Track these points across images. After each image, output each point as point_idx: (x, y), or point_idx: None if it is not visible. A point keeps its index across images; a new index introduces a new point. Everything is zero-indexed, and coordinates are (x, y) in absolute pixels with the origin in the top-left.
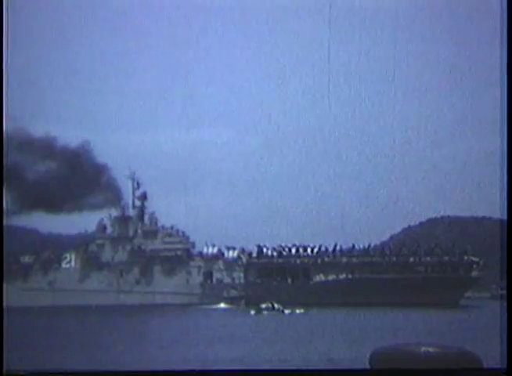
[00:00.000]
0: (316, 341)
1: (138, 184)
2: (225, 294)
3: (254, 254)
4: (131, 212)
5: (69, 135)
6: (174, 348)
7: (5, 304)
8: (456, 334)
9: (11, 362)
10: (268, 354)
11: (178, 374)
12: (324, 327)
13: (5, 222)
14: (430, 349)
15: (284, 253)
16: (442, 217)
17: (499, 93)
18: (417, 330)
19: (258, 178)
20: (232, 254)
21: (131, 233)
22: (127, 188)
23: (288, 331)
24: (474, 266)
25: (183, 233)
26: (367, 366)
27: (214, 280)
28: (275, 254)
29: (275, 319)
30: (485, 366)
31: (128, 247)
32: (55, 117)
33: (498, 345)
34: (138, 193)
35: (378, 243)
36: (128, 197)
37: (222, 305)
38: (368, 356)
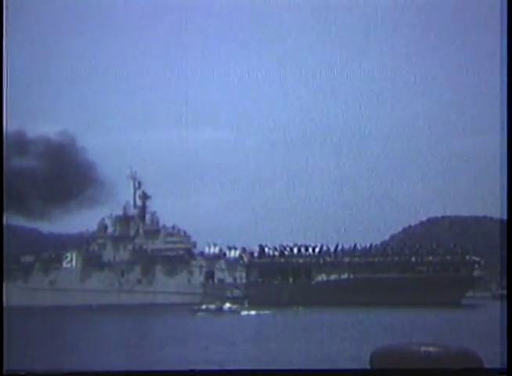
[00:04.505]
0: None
1: (139, 184)
2: (228, 293)
3: (256, 254)
4: (133, 212)
5: (69, 135)
6: (174, 347)
7: (5, 304)
8: (458, 333)
9: (11, 362)
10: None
11: (178, 374)
12: (292, 328)
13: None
14: (431, 349)
15: (286, 253)
16: (443, 217)
17: (499, 93)
18: (419, 329)
19: (260, 178)
20: (233, 253)
21: (132, 232)
22: (128, 188)
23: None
24: (476, 266)
25: (185, 232)
26: (368, 365)
27: (215, 279)
28: (276, 254)
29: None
30: (486, 366)
31: (130, 247)
32: (54, 117)
33: (500, 344)
34: (139, 192)
35: (379, 243)
36: (130, 196)
37: (228, 305)
38: (369, 355)
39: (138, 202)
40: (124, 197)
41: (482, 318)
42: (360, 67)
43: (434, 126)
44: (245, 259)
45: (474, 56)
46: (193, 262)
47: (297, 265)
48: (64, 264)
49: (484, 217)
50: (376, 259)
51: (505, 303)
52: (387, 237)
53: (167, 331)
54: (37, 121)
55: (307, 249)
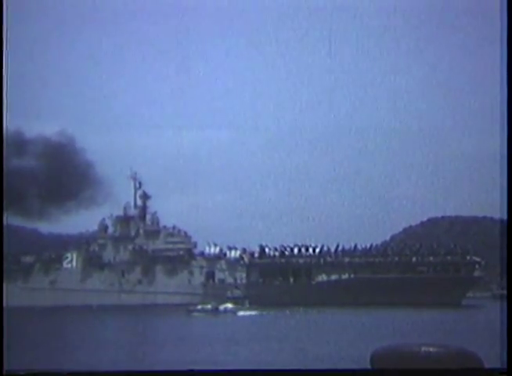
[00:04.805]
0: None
1: (139, 184)
2: (229, 294)
3: (256, 254)
4: (133, 212)
5: (69, 135)
6: (174, 347)
7: (5, 304)
8: (458, 333)
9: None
10: None
11: (178, 374)
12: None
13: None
14: (431, 349)
15: (286, 253)
16: (443, 217)
17: (499, 93)
18: (419, 330)
19: (260, 178)
20: (234, 254)
21: (132, 232)
22: (129, 188)
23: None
24: (476, 266)
25: (185, 232)
26: (368, 366)
27: (216, 280)
28: (277, 254)
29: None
30: (487, 366)
31: (130, 247)
32: (55, 117)
33: (500, 344)
34: (139, 192)
35: (380, 243)
36: (130, 196)
37: (229, 305)
38: (369, 356)
39: (139, 202)
40: (124, 197)
41: (482, 318)
42: (360, 68)
43: (434, 126)
44: (245, 259)
45: (474, 56)
46: (194, 263)
47: (298, 265)
48: (64, 264)
49: (485, 217)
50: (376, 259)
51: (505, 303)
52: (387, 237)
53: (167, 331)
54: (38, 121)
55: (307, 249)
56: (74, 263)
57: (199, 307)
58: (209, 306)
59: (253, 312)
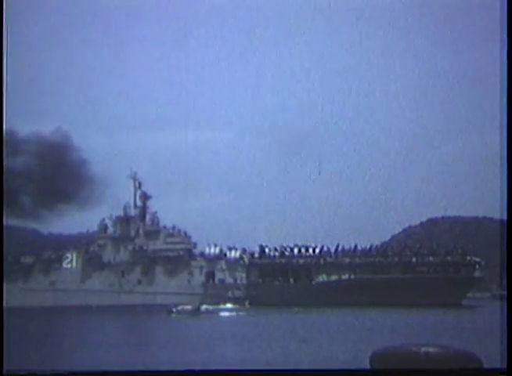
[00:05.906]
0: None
1: (139, 184)
2: (229, 294)
3: (256, 255)
4: (133, 212)
5: (69, 135)
6: (174, 347)
7: (5, 305)
8: (459, 334)
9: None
10: None
11: (178, 374)
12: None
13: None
14: (431, 350)
15: (286, 253)
16: (443, 217)
17: (498, 93)
18: (419, 330)
19: (260, 178)
20: (234, 254)
21: (132, 233)
22: (128, 188)
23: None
24: (477, 267)
25: (185, 233)
26: (368, 366)
27: (216, 280)
28: (277, 254)
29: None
30: (487, 366)
31: (130, 248)
32: (56, 118)
33: (500, 344)
34: (139, 192)
35: (380, 243)
36: (130, 196)
37: (229, 305)
38: (369, 356)
39: (139, 202)
40: (124, 197)
41: (482, 319)
42: (360, 68)
43: (434, 126)
44: (245, 260)
45: (475, 57)
46: (194, 263)
47: (298, 265)
48: (64, 265)
49: (485, 217)
50: (376, 260)
51: (505, 304)
52: (387, 238)
53: (167, 331)
54: (38, 121)
55: (307, 250)
56: (74, 263)
57: (179, 308)
58: (189, 307)
59: (239, 313)
